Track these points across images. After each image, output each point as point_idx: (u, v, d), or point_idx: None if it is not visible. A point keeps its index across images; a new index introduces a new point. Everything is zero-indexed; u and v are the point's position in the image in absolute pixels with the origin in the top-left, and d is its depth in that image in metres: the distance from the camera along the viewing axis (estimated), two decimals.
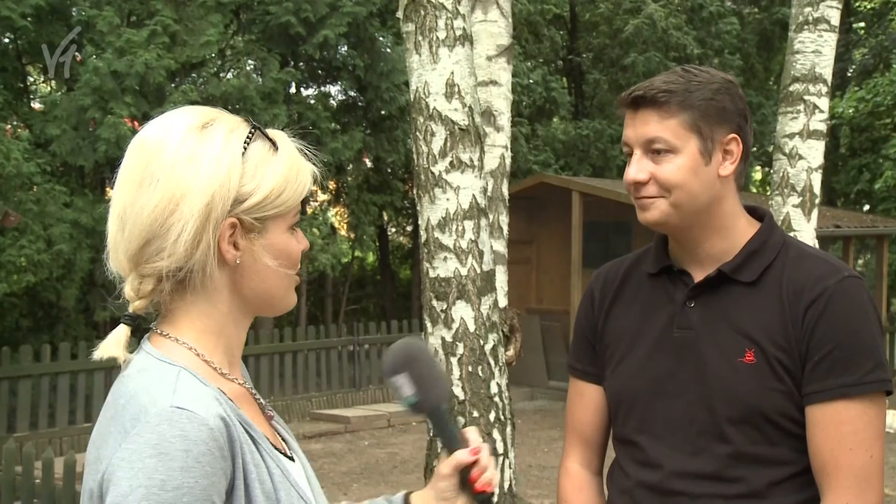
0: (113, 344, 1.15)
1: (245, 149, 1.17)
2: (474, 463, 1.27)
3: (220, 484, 1.07)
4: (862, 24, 19.45)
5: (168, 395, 1.08)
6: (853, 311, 1.58)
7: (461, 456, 1.27)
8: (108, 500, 1.04)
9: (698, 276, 1.67)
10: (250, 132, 1.19)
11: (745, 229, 1.68)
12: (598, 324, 1.79)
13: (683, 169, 1.61)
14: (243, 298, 1.20)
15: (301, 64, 12.25)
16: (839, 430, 1.55)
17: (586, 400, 1.82)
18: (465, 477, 1.28)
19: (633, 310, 1.74)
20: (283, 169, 1.19)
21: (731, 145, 1.64)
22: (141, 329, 1.21)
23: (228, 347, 1.21)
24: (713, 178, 1.63)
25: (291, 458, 1.25)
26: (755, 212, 1.74)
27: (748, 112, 1.68)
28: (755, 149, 18.39)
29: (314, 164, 1.25)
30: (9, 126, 10.08)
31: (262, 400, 1.27)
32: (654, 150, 1.61)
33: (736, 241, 1.67)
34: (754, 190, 20.44)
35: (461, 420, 3.10)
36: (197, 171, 1.14)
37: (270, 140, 1.21)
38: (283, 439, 1.28)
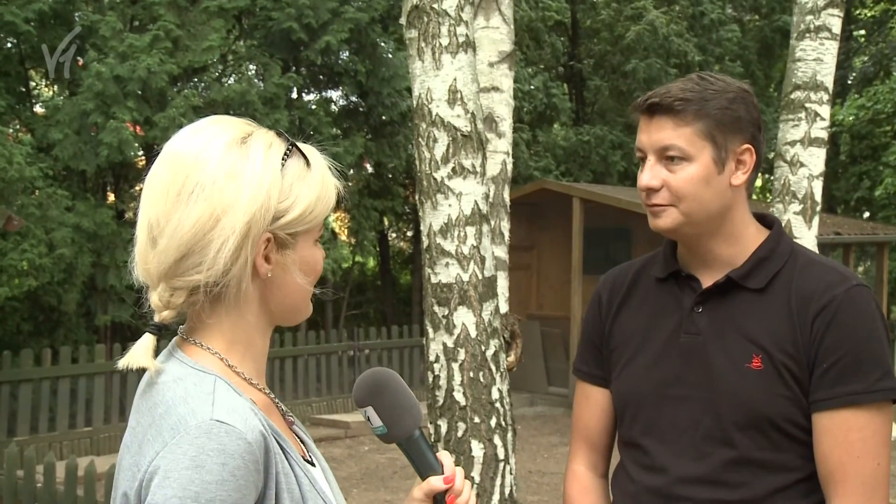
0: (141, 353, 1.15)
1: (283, 165, 1.18)
2: (448, 488, 1.29)
3: (250, 497, 1.08)
4: (862, 32, 19.48)
5: (207, 406, 1.09)
6: (862, 320, 1.59)
7: (434, 482, 1.28)
8: None
9: (707, 281, 1.68)
10: (287, 148, 1.20)
11: (754, 236, 1.69)
12: (606, 327, 1.79)
13: (696, 178, 1.62)
14: (270, 310, 1.22)
15: (303, 69, 12.27)
16: (847, 437, 1.56)
17: (592, 403, 1.83)
18: (441, 500, 1.29)
19: (640, 314, 1.75)
20: (316, 185, 1.21)
21: (744, 155, 1.65)
22: (165, 335, 1.22)
23: (255, 357, 1.22)
24: (725, 186, 1.64)
25: (313, 464, 1.27)
26: (764, 219, 1.75)
27: (762, 121, 1.69)
28: None
29: (338, 178, 1.27)
30: (11, 130, 10.09)
31: (282, 406, 1.29)
32: (668, 157, 1.63)
33: (745, 248, 1.68)
34: (755, 197, 20.45)
35: (465, 426, 3.11)
36: (239, 188, 1.14)
37: (304, 156, 1.22)
38: (303, 442, 1.29)
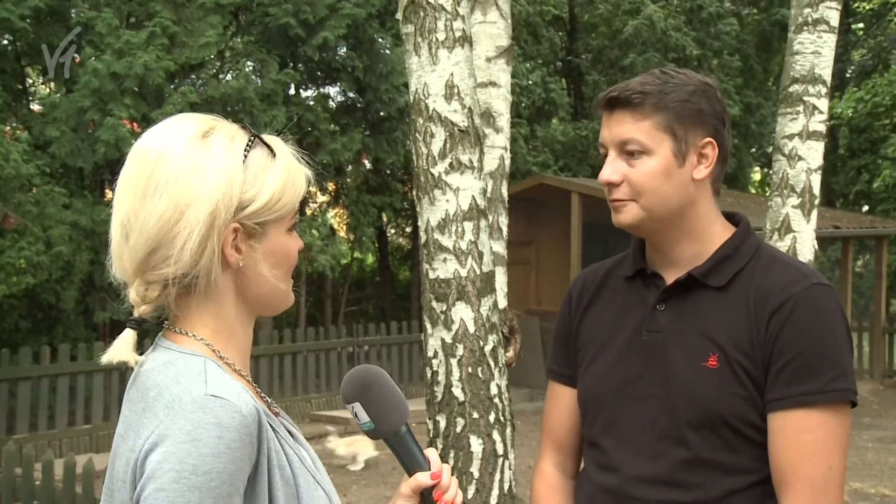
0: (122, 348, 1.18)
1: (245, 156, 1.21)
2: (435, 484, 1.30)
3: (245, 469, 1.10)
4: (861, 25, 19.47)
5: (200, 383, 1.12)
6: (818, 319, 1.55)
7: (421, 478, 1.30)
8: (141, 482, 1.08)
9: (670, 279, 1.66)
10: (250, 140, 1.23)
11: (719, 233, 1.67)
12: (574, 326, 1.79)
13: (656, 171, 1.60)
14: (247, 300, 1.24)
15: (300, 65, 12.24)
16: (798, 438, 1.53)
17: (561, 402, 1.82)
18: (428, 496, 1.31)
19: (607, 312, 1.74)
20: (282, 174, 1.23)
21: (706, 149, 1.63)
22: (145, 332, 1.23)
23: (238, 348, 1.25)
24: (686, 181, 1.62)
25: None
26: (732, 218, 1.72)
27: (726, 115, 1.67)
28: (754, 150, 18.41)
29: (308, 167, 1.28)
30: (8, 128, 10.07)
31: (267, 398, 1.31)
32: (628, 152, 1.62)
33: (709, 246, 1.66)
34: (753, 191, 20.44)
35: (464, 422, 3.10)
36: (201, 181, 1.17)
37: (268, 146, 1.24)
38: (291, 434, 1.31)
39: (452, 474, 1.34)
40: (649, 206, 1.61)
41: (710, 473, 1.57)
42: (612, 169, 1.63)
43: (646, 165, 1.60)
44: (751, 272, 1.62)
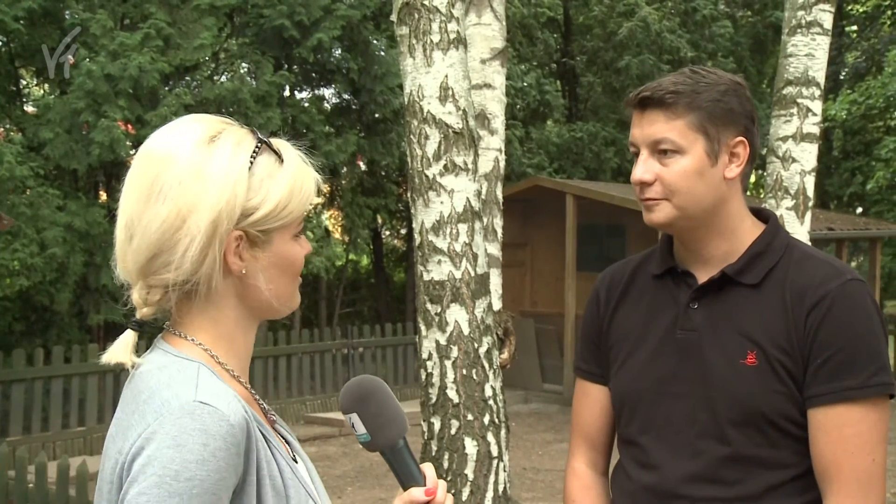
0: (121, 349, 1.18)
1: (252, 163, 1.19)
2: (429, 501, 1.28)
3: (229, 480, 1.09)
4: (854, 28, 19.52)
5: (191, 389, 1.11)
6: (856, 315, 1.58)
7: (415, 493, 1.28)
8: (125, 486, 1.07)
9: (702, 277, 1.67)
10: (257, 146, 1.20)
11: (749, 231, 1.69)
12: (604, 324, 1.80)
13: (689, 171, 1.61)
14: (249, 306, 1.23)
15: (295, 67, 12.24)
16: (841, 433, 1.55)
17: (591, 400, 1.83)
18: None
19: (637, 311, 1.75)
20: (289, 181, 1.21)
21: (737, 148, 1.64)
22: (147, 332, 1.23)
23: (238, 354, 1.24)
24: (719, 179, 1.63)
25: (295, 461, 1.27)
26: (760, 213, 1.74)
27: (755, 114, 1.68)
28: None
29: (316, 171, 1.26)
30: (2, 129, 10.05)
31: (264, 405, 1.29)
32: (661, 151, 1.62)
33: (740, 243, 1.67)
34: (747, 193, 20.49)
35: (458, 424, 3.10)
36: (204, 187, 1.15)
37: (276, 152, 1.22)
38: (287, 442, 1.30)
39: (450, 492, 1.32)
40: (682, 205, 1.62)
41: (751, 469, 1.60)
42: (645, 168, 1.63)
43: (679, 165, 1.61)
44: (784, 269, 1.64)
